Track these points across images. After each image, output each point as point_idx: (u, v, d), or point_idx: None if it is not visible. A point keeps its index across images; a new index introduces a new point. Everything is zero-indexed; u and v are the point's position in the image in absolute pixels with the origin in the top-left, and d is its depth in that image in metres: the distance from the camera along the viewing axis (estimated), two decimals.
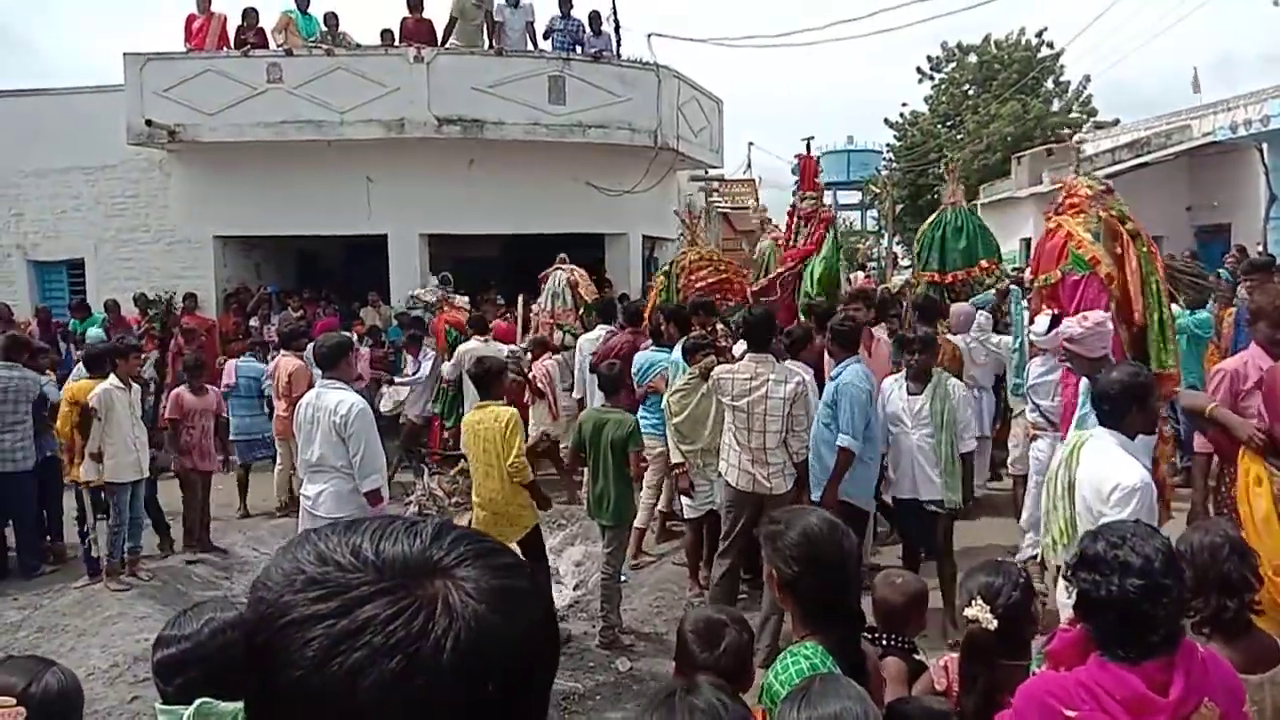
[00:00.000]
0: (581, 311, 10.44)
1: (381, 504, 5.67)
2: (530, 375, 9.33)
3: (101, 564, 7.14)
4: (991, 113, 28.86)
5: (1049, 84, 30.69)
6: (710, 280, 8.90)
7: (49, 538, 7.97)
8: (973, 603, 2.58)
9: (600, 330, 8.83)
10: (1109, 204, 5.50)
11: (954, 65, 32.34)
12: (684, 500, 6.51)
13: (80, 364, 8.22)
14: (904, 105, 34.47)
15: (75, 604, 6.90)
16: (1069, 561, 2.25)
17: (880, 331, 7.09)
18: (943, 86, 32.75)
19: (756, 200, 26.80)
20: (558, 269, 10.69)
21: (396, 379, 10.48)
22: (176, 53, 13.13)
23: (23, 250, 14.37)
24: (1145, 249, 5.33)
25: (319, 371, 6.23)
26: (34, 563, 7.63)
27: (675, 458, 6.35)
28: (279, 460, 9.22)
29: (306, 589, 0.74)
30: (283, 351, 9.29)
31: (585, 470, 6.23)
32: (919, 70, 33.21)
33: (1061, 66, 30.49)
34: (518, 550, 5.98)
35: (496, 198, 13.19)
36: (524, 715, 0.78)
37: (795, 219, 8.48)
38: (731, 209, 24.51)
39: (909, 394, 5.70)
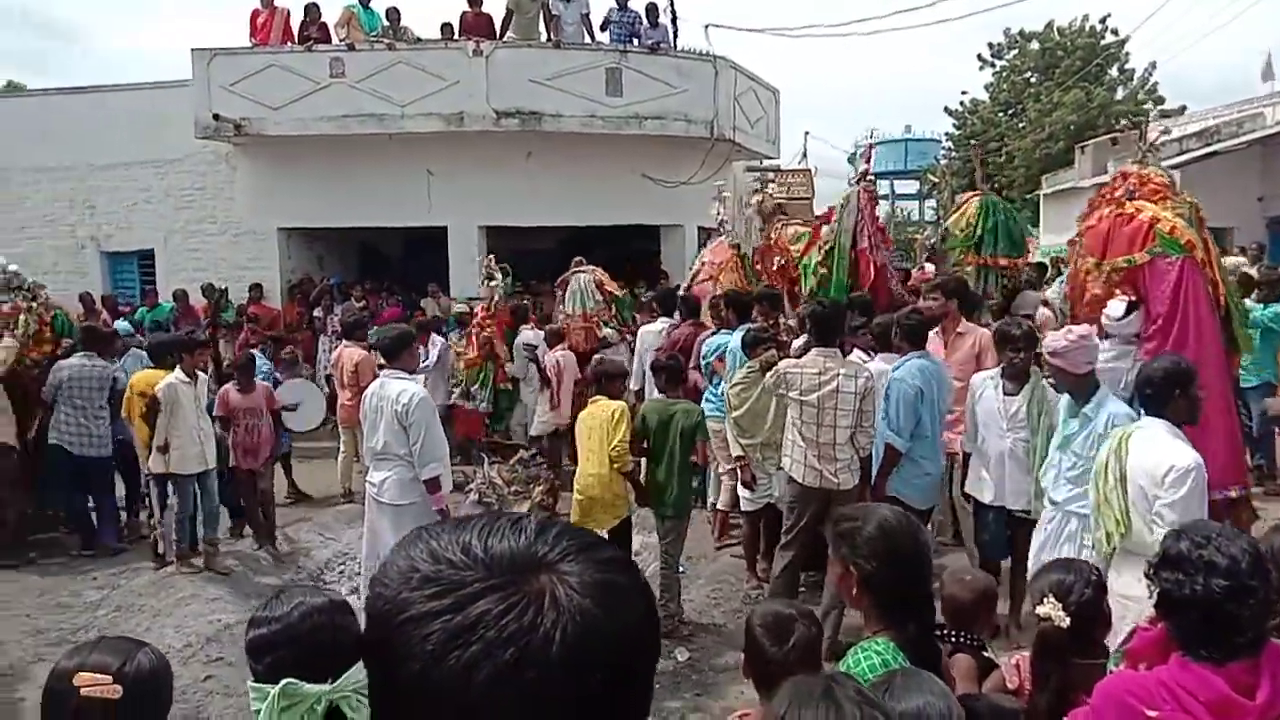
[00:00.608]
0: (615, 308, 10.55)
1: (440, 492, 5.80)
2: (542, 364, 9.42)
3: (170, 550, 7.35)
4: (1054, 101, 28.25)
5: (1113, 71, 29.94)
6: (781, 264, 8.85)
7: (127, 516, 8.39)
8: (1044, 600, 2.56)
9: (662, 323, 8.80)
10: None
11: (1016, 52, 31.71)
12: (743, 493, 6.50)
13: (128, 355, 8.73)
14: (964, 93, 33.89)
15: (150, 585, 7.11)
16: (1151, 561, 2.22)
17: (966, 325, 6.49)
18: (1004, 74, 32.14)
19: (812, 190, 26.61)
20: (577, 272, 10.57)
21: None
22: (242, 48, 13.43)
23: (96, 242, 14.83)
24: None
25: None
26: (114, 544, 7.97)
27: (735, 451, 6.35)
28: (342, 448, 9.39)
29: (422, 586, 0.77)
30: (345, 342, 9.46)
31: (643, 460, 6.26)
32: (980, 58, 32.62)
33: (1126, 54, 29.71)
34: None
35: (554, 190, 13.28)
36: (626, 708, 0.80)
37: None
38: (787, 199, 24.31)
39: (1005, 394, 5.27)
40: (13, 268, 8.41)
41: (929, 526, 6.32)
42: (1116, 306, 5.36)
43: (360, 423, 6.48)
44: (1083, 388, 4.46)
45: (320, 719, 1.82)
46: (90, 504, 8.09)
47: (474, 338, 10.11)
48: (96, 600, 6.88)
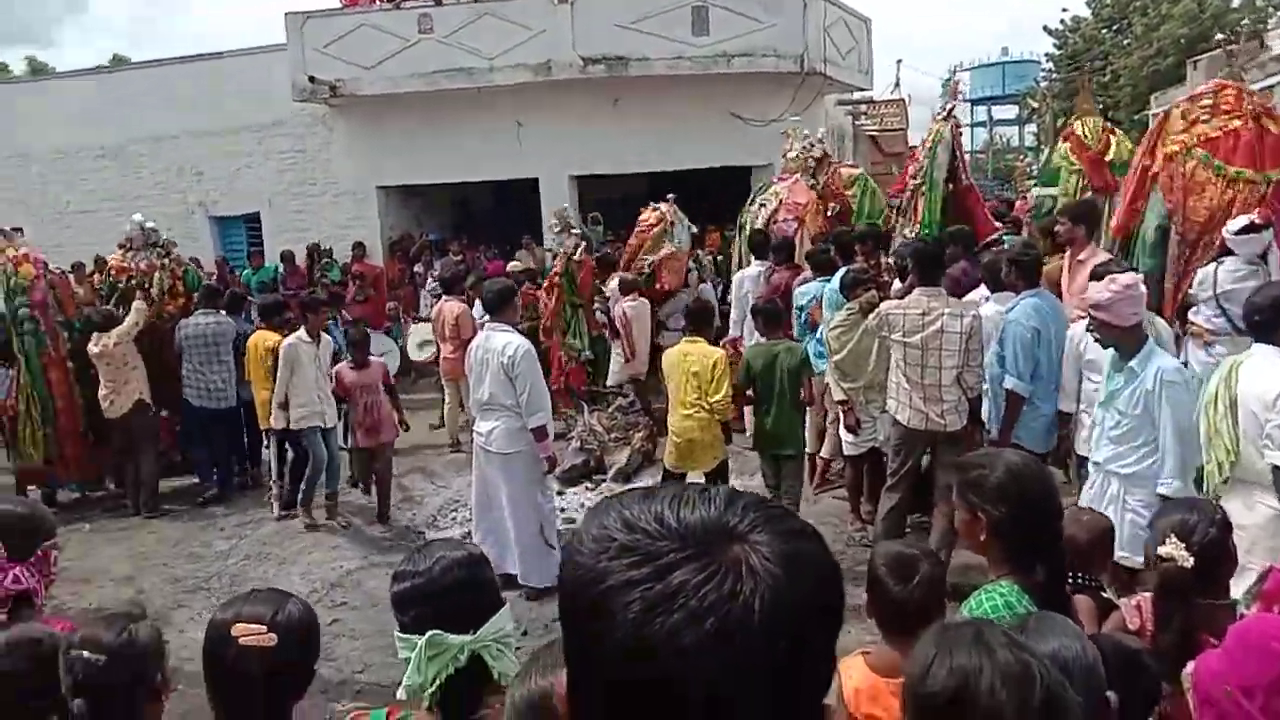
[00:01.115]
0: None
1: (547, 439, 5.99)
2: (611, 314, 9.39)
3: (286, 504, 7.81)
4: (1162, 13, 26.65)
5: None
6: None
7: (250, 465, 8.93)
8: (1167, 540, 2.50)
9: (756, 266, 8.71)
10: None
11: None
12: (846, 436, 6.47)
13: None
14: (1064, 10, 32.28)
15: (275, 534, 7.50)
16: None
17: (1089, 251, 5.83)
18: None
19: (906, 121, 25.80)
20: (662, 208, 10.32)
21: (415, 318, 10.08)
22: (333, 10, 13.66)
23: (204, 207, 15.39)
24: None
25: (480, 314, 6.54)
26: (231, 493, 8.58)
27: (838, 395, 6.31)
28: (447, 399, 9.64)
29: (620, 555, 0.79)
30: (445, 296, 9.64)
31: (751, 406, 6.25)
32: None
33: None
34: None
35: (643, 135, 13.20)
36: (814, 677, 0.82)
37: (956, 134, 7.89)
38: (879, 131, 23.68)
39: None
40: (150, 224, 9.01)
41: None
42: (1237, 223, 5.07)
43: (465, 375, 6.66)
44: (1130, 341, 4.19)
45: (463, 666, 1.91)
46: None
47: (549, 290, 9.91)
48: (226, 550, 7.26)
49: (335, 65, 13.32)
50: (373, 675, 5.13)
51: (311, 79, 13.31)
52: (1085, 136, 7.34)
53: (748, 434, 8.61)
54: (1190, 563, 2.45)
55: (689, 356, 6.03)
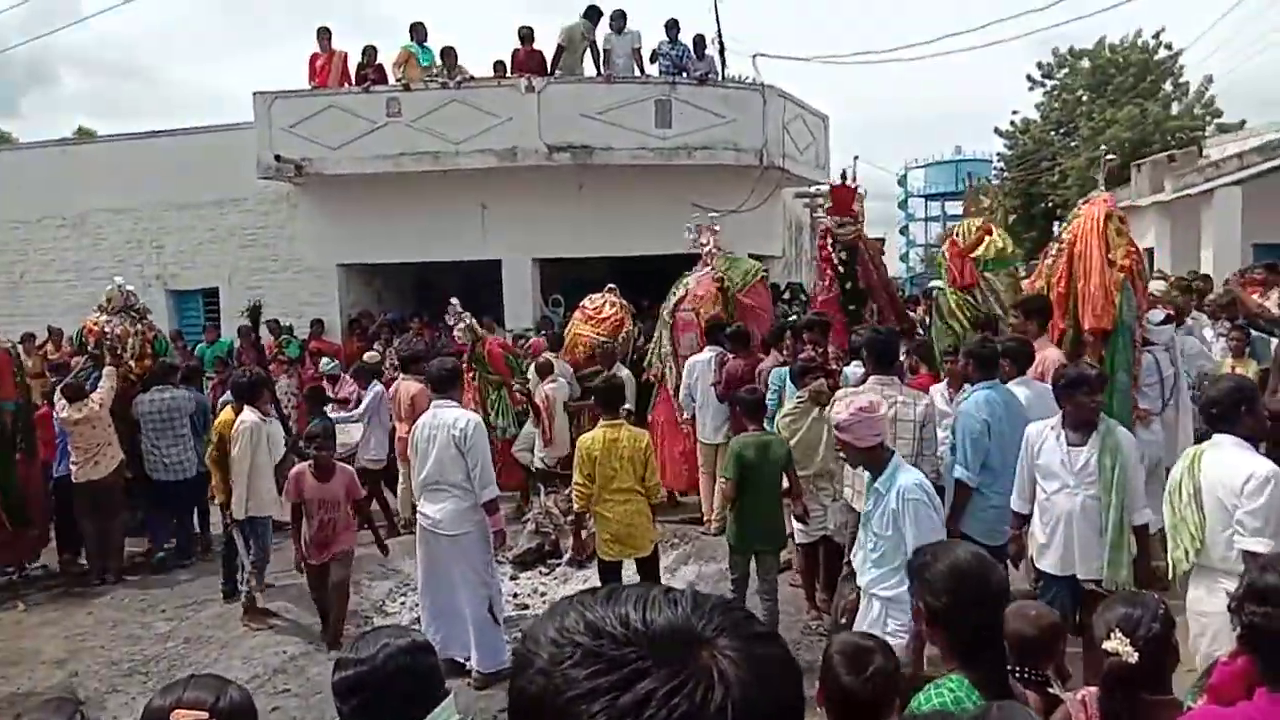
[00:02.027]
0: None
1: (499, 515, 5.98)
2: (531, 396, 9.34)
3: (245, 598, 7.25)
4: (1107, 118, 27.85)
5: (1167, 86, 29.44)
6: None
7: (199, 532, 8.99)
8: (1111, 635, 2.52)
9: (709, 352, 8.80)
10: None
11: (1066, 71, 31.37)
12: (796, 525, 6.44)
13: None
14: (1014, 113, 33.63)
15: (217, 617, 7.27)
16: (1234, 594, 2.19)
17: (1040, 343, 6.06)
18: (1055, 93, 31.81)
19: (861, 213, 26.46)
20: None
21: (330, 411, 9.32)
22: (302, 90, 13.80)
23: (162, 280, 15.28)
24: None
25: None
26: (188, 560, 8.63)
27: (784, 483, 6.31)
28: (401, 479, 9.50)
29: (584, 662, 0.76)
30: (403, 375, 9.56)
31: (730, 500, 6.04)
32: (1029, 78, 32.33)
33: (1181, 68, 29.25)
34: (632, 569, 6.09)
35: (605, 221, 13.42)
36: None
37: (834, 244, 8.43)
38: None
39: (1069, 444, 4.61)
40: (129, 287, 9.14)
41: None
42: (1157, 314, 5.86)
43: (411, 455, 6.56)
44: (875, 461, 4.28)
45: None
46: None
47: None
48: (166, 632, 7.03)
49: (301, 144, 13.45)
50: None
51: (277, 157, 13.41)
52: (961, 236, 7.96)
53: (706, 520, 8.51)
54: (1135, 657, 2.46)
55: (619, 442, 5.85)
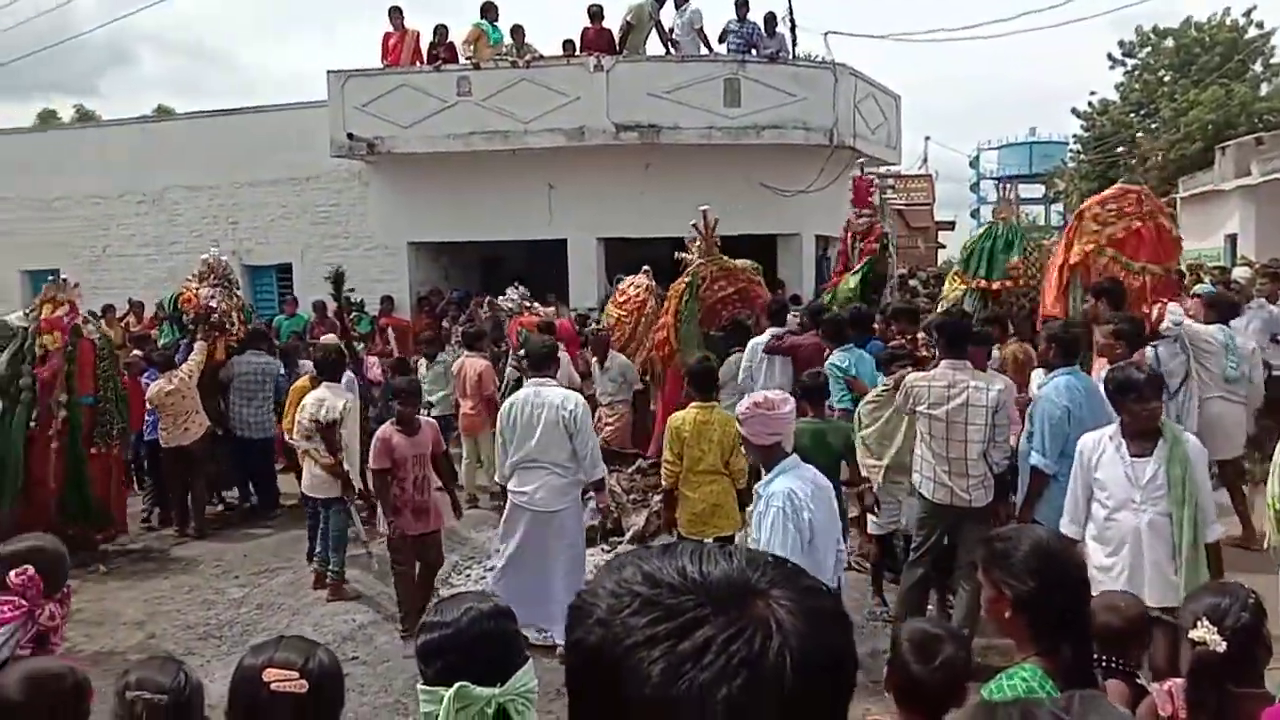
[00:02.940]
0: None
1: (605, 494, 6.26)
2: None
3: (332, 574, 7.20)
4: (1190, 99, 26.92)
5: (1257, 67, 28.36)
6: (729, 291, 9.48)
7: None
8: (1198, 624, 2.46)
9: (769, 333, 8.68)
10: None
11: (1149, 50, 30.38)
12: (869, 516, 6.37)
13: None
14: (1092, 94, 32.69)
15: (288, 585, 7.43)
16: None
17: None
18: (1136, 73, 30.84)
19: (933, 195, 26.04)
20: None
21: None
22: (374, 69, 13.99)
23: (238, 255, 15.59)
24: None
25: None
26: (270, 512, 9.18)
27: (862, 471, 6.23)
28: (464, 454, 9.60)
29: (642, 611, 0.77)
30: (468, 352, 9.63)
31: None
32: (1110, 57, 31.39)
33: (1272, 48, 28.14)
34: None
35: (671, 201, 13.31)
36: None
37: (850, 235, 9.13)
38: (906, 205, 23.90)
39: (1132, 455, 4.18)
40: (225, 258, 9.70)
41: None
42: (1178, 310, 5.80)
43: (486, 430, 6.64)
44: (767, 459, 4.19)
45: None
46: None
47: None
48: (239, 598, 7.19)
49: (374, 123, 13.64)
50: None
51: (350, 135, 13.63)
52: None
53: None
54: (1222, 647, 2.40)
55: (710, 425, 5.90)
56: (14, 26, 18.05)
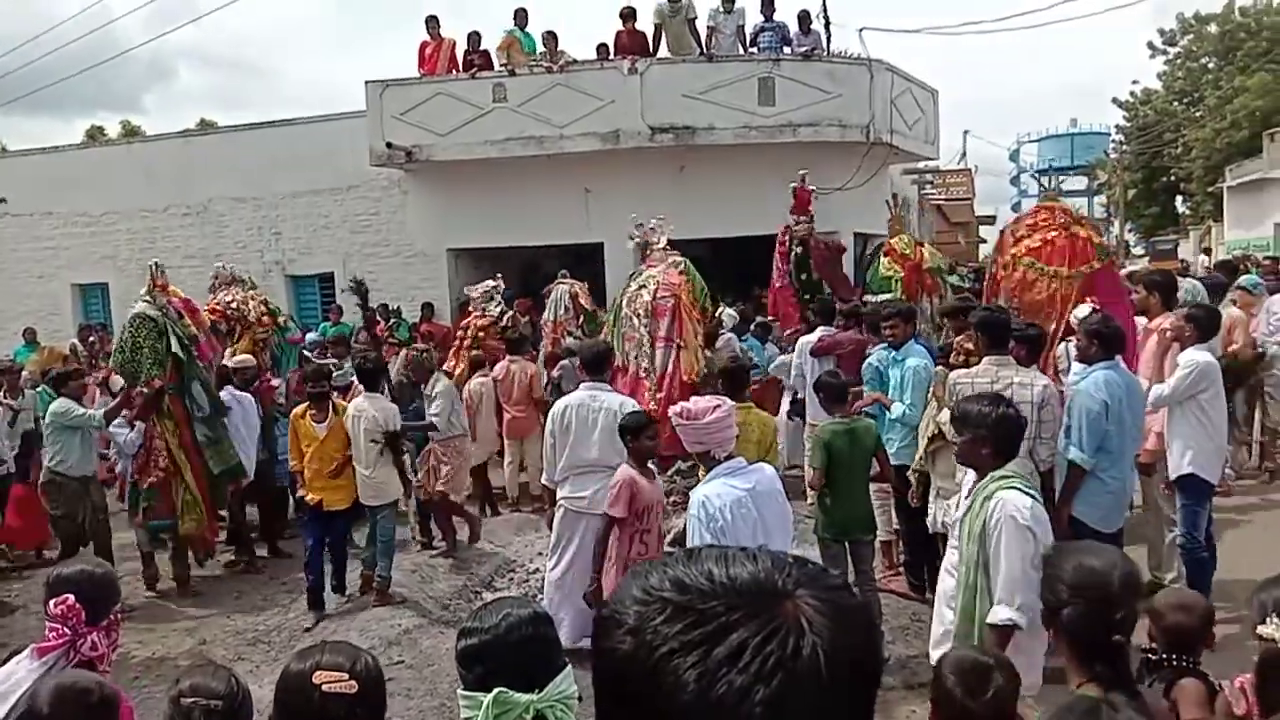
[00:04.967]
0: (583, 320, 11.04)
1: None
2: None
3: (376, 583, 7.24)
4: (1236, 87, 26.35)
5: None
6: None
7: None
8: (1268, 619, 2.37)
9: (820, 332, 8.65)
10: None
11: (1191, 37, 29.80)
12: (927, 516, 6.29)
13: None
14: (1134, 83, 32.14)
15: (334, 591, 7.52)
16: None
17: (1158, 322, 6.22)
18: (1179, 61, 30.27)
19: (972, 190, 25.69)
20: (560, 283, 11.25)
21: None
22: (411, 78, 14.13)
23: (281, 266, 15.90)
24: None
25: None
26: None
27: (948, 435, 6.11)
28: (509, 457, 9.65)
29: (673, 618, 0.78)
30: (510, 358, 9.69)
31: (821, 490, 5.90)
32: (1150, 45, 30.85)
33: None
34: None
35: (707, 202, 13.35)
36: None
37: (790, 239, 9.91)
38: (945, 200, 23.59)
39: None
40: (230, 266, 10.08)
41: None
42: (1085, 309, 5.77)
43: (535, 433, 6.59)
44: (704, 463, 4.27)
45: None
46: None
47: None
48: (286, 604, 7.29)
49: (411, 131, 13.78)
50: None
51: (389, 144, 13.78)
52: (903, 249, 9.16)
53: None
54: None
55: (748, 425, 5.77)
56: (61, 47, 18.42)
